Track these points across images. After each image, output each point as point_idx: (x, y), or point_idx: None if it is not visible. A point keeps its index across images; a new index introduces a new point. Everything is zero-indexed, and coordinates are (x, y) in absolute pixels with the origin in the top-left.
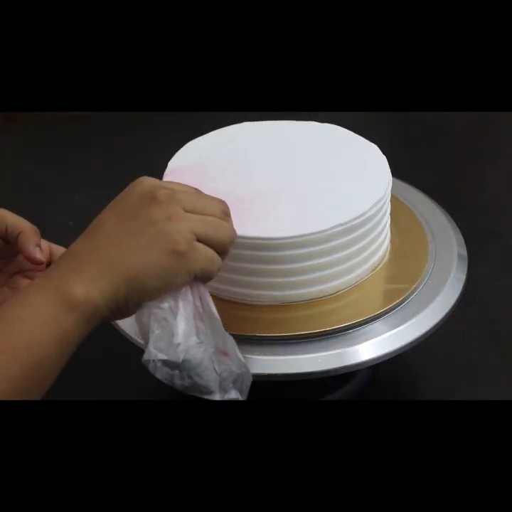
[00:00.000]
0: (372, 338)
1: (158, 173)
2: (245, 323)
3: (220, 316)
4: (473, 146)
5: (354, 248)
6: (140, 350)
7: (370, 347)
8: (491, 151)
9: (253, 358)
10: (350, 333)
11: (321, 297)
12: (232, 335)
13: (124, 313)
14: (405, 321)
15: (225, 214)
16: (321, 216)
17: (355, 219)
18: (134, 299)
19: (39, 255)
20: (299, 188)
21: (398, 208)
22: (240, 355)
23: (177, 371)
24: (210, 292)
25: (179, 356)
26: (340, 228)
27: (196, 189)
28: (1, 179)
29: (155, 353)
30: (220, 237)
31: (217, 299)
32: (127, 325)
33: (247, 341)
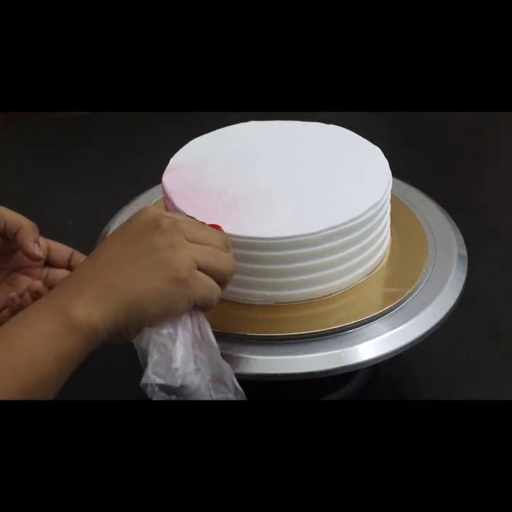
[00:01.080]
0: (372, 338)
1: (159, 173)
2: (245, 322)
3: (225, 319)
4: (473, 146)
5: (354, 248)
6: None
7: (370, 347)
8: (491, 151)
9: (253, 358)
10: (350, 333)
11: (321, 297)
12: (232, 334)
13: (124, 338)
14: (405, 321)
15: (226, 245)
16: (319, 217)
17: (352, 220)
18: (134, 324)
19: (38, 251)
20: (298, 188)
21: (398, 208)
22: (237, 384)
23: (174, 396)
24: None
25: (177, 381)
26: (336, 230)
27: (198, 221)
28: (1, 179)
29: (153, 377)
30: (221, 267)
31: None
32: None
33: (247, 341)
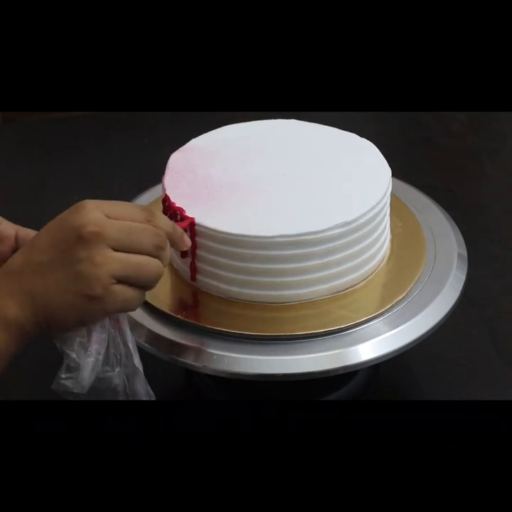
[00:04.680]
0: (372, 338)
1: (159, 173)
2: (246, 322)
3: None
4: (473, 146)
5: (354, 249)
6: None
7: (370, 347)
8: (491, 151)
9: (253, 358)
10: (350, 333)
11: (321, 297)
12: (232, 333)
13: (50, 335)
14: (405, 321)
15: (159, 248)
16: (319, 217)
17: (353, 221)
18: (53, 328)
19: None
20: (298, 188)
21: (398, 208)
22: (148, 387)
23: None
24: (208, 289)
25: (84, 391)
26: (337, 230)
27: (135, 220)
28: (0, 179)
29: (62, 385)
30: (144, 278)
31: (217, 298)
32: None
33: (247, 341)
